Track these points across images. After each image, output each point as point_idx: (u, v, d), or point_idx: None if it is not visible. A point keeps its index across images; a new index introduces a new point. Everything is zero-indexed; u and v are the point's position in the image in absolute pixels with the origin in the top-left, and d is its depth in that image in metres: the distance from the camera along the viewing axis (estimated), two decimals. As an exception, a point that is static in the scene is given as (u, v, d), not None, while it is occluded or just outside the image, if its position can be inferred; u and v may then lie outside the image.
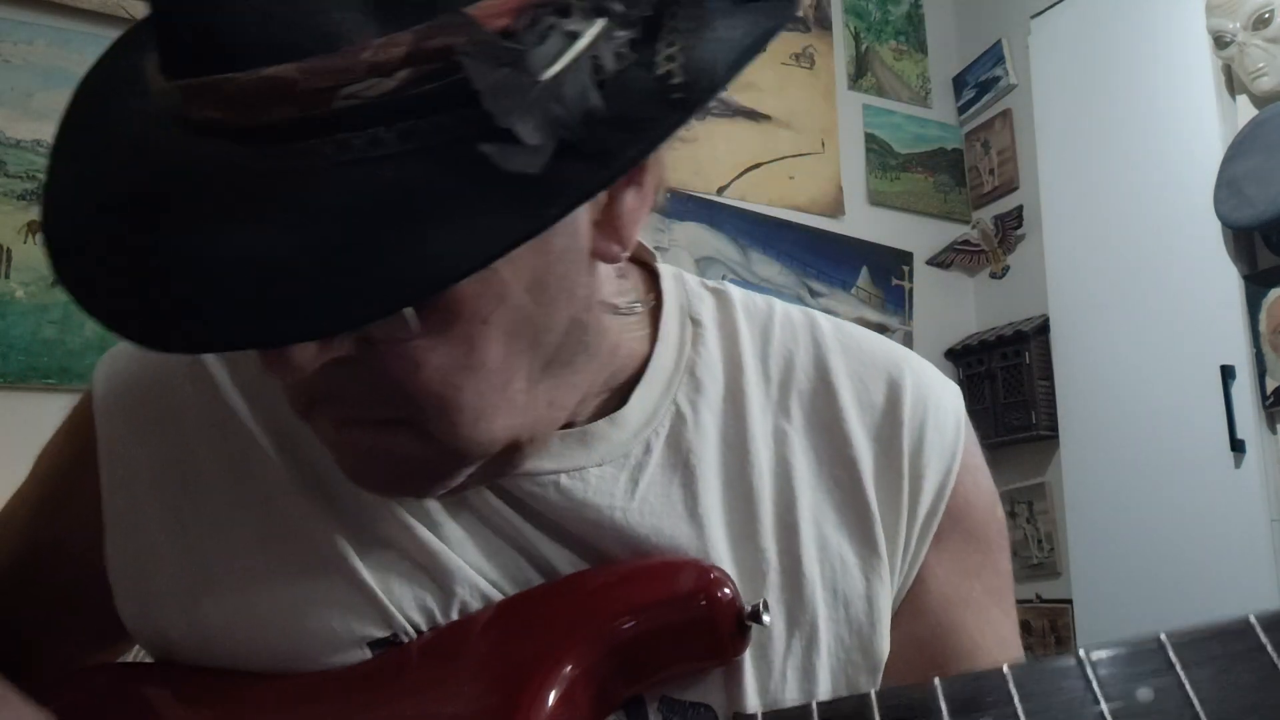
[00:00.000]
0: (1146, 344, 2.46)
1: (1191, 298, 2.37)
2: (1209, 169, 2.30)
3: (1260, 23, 2.25)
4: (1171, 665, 0.44)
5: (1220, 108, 2.38)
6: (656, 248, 0.66)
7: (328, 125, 0.41)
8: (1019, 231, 2.99)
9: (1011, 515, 2.89)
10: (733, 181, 2.81)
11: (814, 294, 2.83)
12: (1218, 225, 2.30)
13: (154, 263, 0.42)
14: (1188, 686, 0.43)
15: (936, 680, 0.48)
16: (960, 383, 2.98)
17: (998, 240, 3.05)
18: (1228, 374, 2.28)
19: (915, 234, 3.08)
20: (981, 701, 0.44)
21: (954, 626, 0.63)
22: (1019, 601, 3.04)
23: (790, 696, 0.57)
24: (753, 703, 0.56)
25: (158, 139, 0.44)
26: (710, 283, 0.68)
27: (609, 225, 0.51)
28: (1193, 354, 2.35)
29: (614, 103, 0.42)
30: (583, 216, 0.50)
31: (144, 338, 0.42)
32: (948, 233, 3.13)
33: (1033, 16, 2.89)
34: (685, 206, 2.71)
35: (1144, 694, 0.42)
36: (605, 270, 0.55)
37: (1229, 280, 2.31)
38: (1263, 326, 2.27)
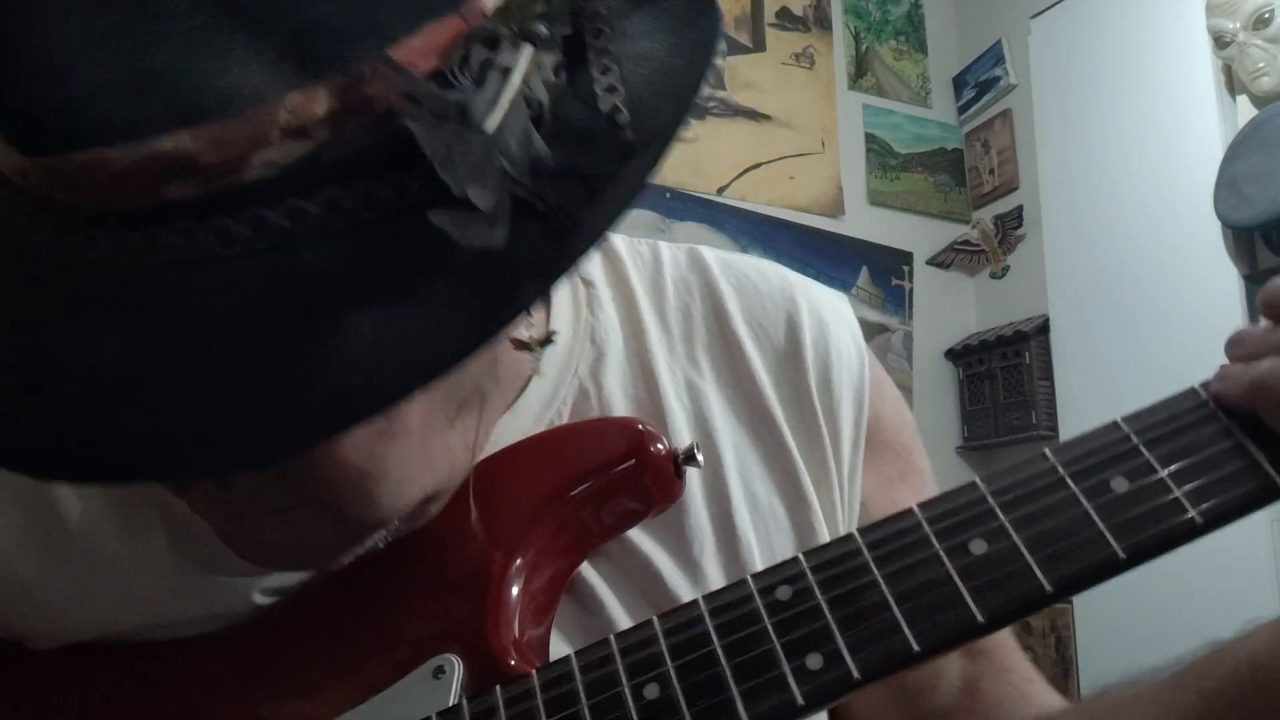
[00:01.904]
0: (1146, 344, 2.46)
1: (1191, 298, 2.37)
2: (1209, 169, 2.30)
3: (1260, 23, 2.25)
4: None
5: (1220, 108, 2.37)
6: (657, 248, 0.64)
7: (238, 201, 0.34)
8: (1019, 231, 2.99)
9: (1011, 515, 2.88)
10: (733, 181, 2.81)
11: (814, 294, 2.83)
12: (1218, 225, 2.30)
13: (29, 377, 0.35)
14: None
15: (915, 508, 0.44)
16: (960, 383, 2.99)
17: (998, 240, 3.05)
18: (1228, 374, 2.28)
19: (915, 234, 3.08)
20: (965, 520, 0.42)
21: None
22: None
23: None
24: None
25: (12, 235, 0.36)
26: None
27: None
28: (1193, 354, 2.34)
29: (561, 149, 0.37)
30: None
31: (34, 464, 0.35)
32: (948, 233, 3.12)
33: (1033, 16, 2.88)
34: (685, 206, 2.71)
35: (1119, 484, 0.41)
36: None
37: (1229, 280, 2.31)
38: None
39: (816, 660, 0.40)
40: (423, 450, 0.44)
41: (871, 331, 2.91)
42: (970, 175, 3.18)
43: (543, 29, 0.37)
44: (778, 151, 2.91)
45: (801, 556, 0.44)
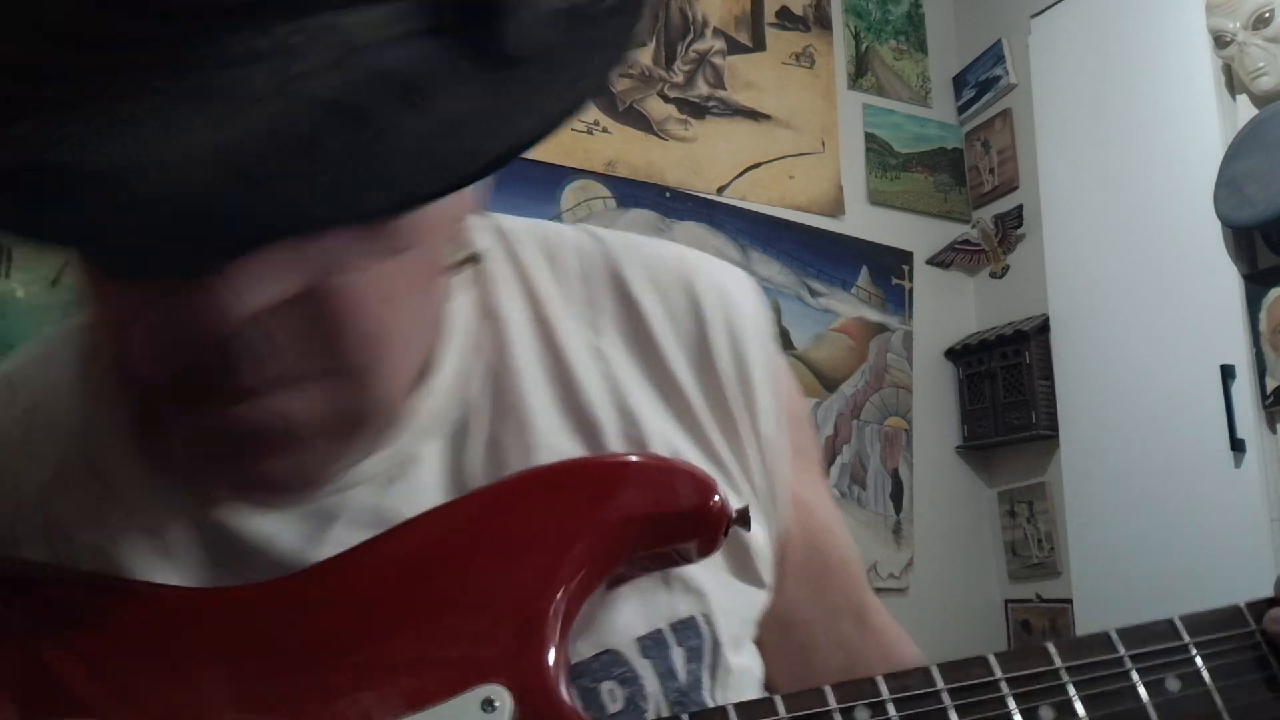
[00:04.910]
0: (1146, 344, 2.46)
1: (1191, 298, 2.37)
2: (1209, 169, 2.30)
3: (1260, 22, 2.25)
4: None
5: (1220, 108, 2.37)
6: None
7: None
8: (1019, 231, 2.99)
9: (1011, 515, 2.89)
10: (733, 181, 2.81)
11: (814, 293, 2.83)
12: (1218, 225, 2.30)
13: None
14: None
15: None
16: (960, 383, 2.99)
17: (998, 240, 3.05)
18: (1228, 374, 2.28)
19: (915, 233, 3.08)
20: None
21: (811, 522, 0.64)
22: (1019, 601, 3.03)
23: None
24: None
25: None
26: None
27: None
28: (1193, 354, 2.35)
29: None
30: None
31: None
32: (948, 232, 3.12)
33: (1033, 16, 2.88)
34: (685, 206, 2.71)
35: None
36: None
37: (1229, 280, 2.31)
38: (1263, 326, 2.26)
39: None
40: (413, 323, 0.48)
41: (871, 331, 2.92)
42: (970, 175, 3.18)
43: None
44: (778, 151, 2.91)
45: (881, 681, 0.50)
